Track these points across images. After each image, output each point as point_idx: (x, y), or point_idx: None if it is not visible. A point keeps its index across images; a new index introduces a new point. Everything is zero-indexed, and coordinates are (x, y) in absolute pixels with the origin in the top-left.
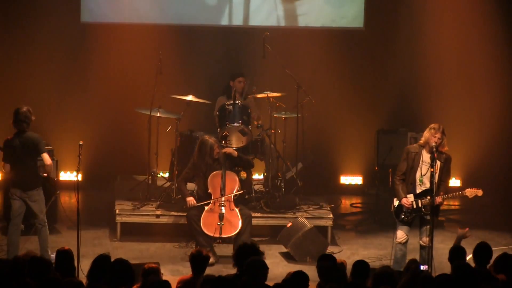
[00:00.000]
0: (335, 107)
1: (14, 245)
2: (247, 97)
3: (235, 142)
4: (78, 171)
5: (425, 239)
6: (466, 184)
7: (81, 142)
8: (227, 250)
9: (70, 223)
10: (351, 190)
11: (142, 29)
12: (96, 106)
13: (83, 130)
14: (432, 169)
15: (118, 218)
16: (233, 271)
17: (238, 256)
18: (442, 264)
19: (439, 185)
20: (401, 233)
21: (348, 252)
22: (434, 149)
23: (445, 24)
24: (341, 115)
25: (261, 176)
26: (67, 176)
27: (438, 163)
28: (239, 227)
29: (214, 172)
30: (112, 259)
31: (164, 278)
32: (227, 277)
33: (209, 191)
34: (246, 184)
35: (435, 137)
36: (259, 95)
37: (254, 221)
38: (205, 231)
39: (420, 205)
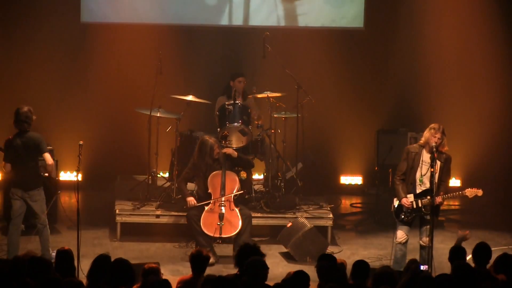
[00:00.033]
0: (335, 107)
1: (14, 245)
2: (247, 97)
3: (235, 142)
4: (78, 171)
5: (425, 239)
6: (466, 184)
7: (81, 142)
8: (227, 250)
9: (70, 223)
10: (351, 190)
11: (142, 29)
12: (96, 106)
13: (83, 130)
14: (432, 169)
15: (118, 218)
16: (233, 271)
17: (240, 257)
18: (442, 264)
19: (439, 185)
20: (401, 233)
21: (348, 252)
22: (434, 149)
23: (445, 24)
24: (341, 115)
25: (261, 176)
26: (67, 176)
27: (438, 163)
28: (239, 227)
29: (214, 172)
30: (112, 259)
31: (164, 278)
32: (228, 277)
33: (209, 191)
34: (246, 184)
35: (435, 137)
36: (259, 95)
37: (254, 221)
38: (205, 231)
39: (420, 205)
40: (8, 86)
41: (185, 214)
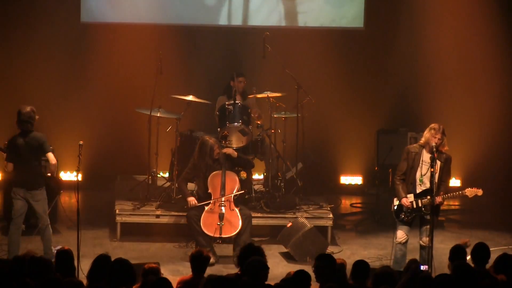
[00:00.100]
0: (335, 107)
1: (15, 245)
2: (247, 97)
3: (235, 142)
4: (78, 171)
5: (425, 239)
6: (466, 184)
7: (81, 142)
8: (227, 250)
9: (70, 223)
10: (351, 190)
11: (142, 29)
12: (96, 106)
13: (83, 130)
14: (432, 169)
15: (118, 218)
16: (233, 271)
17: (241, 257)
18: (442, 264)
19: (439, 185)
20: (401, 233)
21: (348, 252)
22: (434, 149)
23: (445, 24)
24: (341, 115)
25: (261, 176)
26: (67, 176)
27: (438, 163)
28: (239, 227)
29: (214, 172)
30: (112, 259)
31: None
32: (229, 277)
33: (209, 191)
34: (246, 184)
35: (435, 137)
36: (259, 95)
37: (254, 221)
38: (205, 231)
39: (420, 205)
40: (8, 86)
41: (185, 214)
